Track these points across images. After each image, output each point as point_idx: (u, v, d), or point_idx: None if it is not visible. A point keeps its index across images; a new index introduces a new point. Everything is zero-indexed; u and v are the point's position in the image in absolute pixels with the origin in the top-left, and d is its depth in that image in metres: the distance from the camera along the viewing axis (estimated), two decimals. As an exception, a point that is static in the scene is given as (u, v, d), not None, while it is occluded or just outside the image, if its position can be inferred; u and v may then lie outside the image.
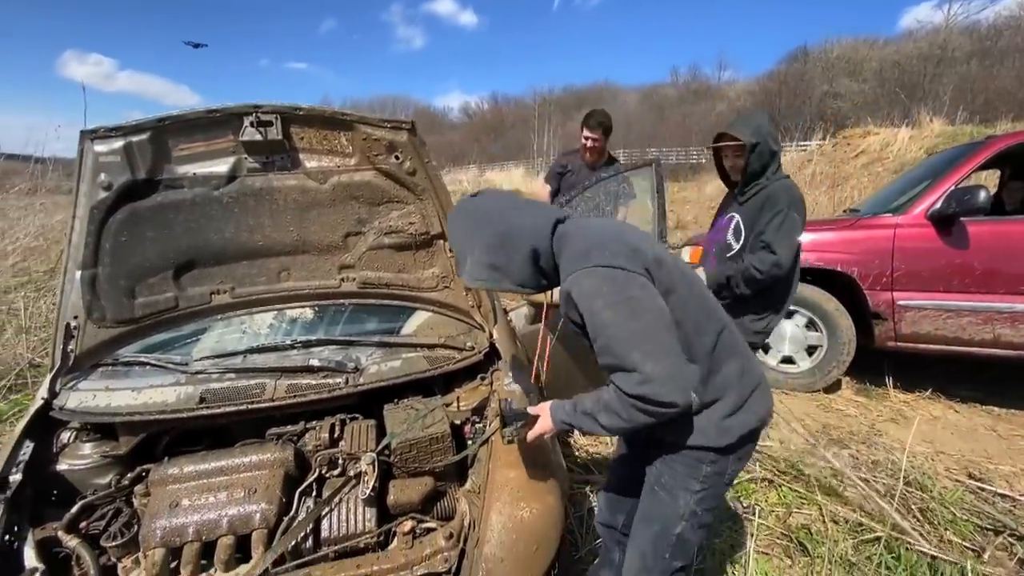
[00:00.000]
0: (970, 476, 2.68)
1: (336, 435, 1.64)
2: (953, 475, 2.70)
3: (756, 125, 2.19)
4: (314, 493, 1.48)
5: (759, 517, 2.26)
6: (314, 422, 1.68)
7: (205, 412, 1.54)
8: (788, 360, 3.81)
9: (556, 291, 1.27)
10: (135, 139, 1.65)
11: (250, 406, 1.57)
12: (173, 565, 1.31)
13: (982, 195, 3.06)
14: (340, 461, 1.54)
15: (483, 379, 1.83)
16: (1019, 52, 25.33)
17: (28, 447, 1.50)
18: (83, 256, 1.70)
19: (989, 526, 2.27)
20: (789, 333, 3.75)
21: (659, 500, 1.32)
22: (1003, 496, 2.49)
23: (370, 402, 1.72)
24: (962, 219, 3.20)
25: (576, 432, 2.87)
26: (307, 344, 1.88)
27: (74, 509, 1.41)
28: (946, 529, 2.21)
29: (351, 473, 1.49)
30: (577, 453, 2.81)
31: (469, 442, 1.63)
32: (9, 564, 1.24)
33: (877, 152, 10.50)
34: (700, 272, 2.41)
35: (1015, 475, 2.71)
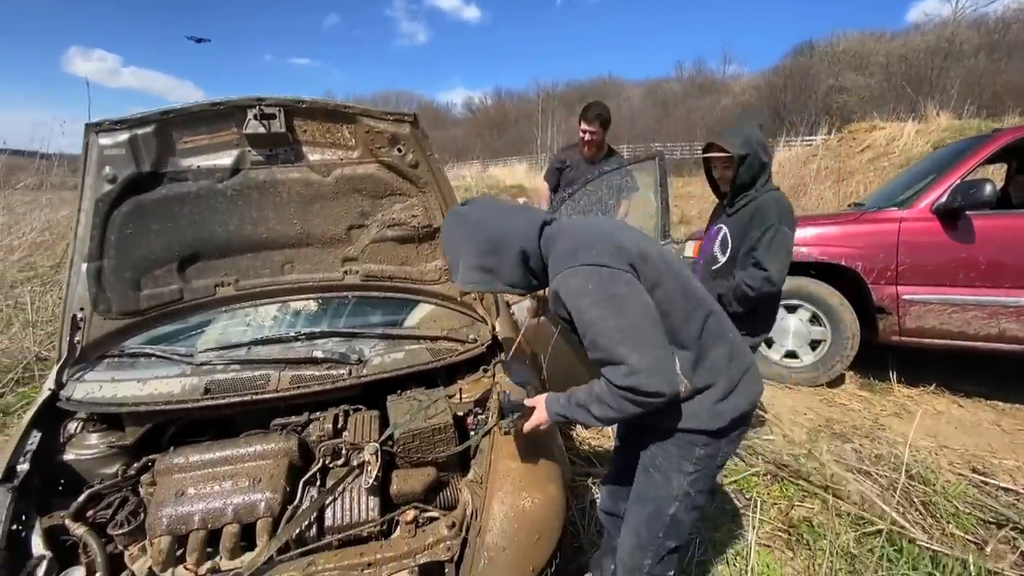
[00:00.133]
0: (973, 470, 2.67)
1: (340, 426, 1.65)
2: (956, 469, 2.69)
3: (745, 136, 2.12)
4: (318, 483, 1.49)
5: (761, 510, 2.27)
6: (318, 413, 1.69)
7: (210, 403, 1.56)
8: (791, 354, 3.80)
9: None
10: (140, 132, 1.66)
11: (254, 397, 1.58)
12: (179, 553, 1.33)
13: (988, 189, 3.04)
14: (344, 451, 1.55)
15: (485, 371, 1.84)
16: (1028, 45, 25.06)
17: (35, 437, 1.52)
18: (89, 248, 1.71)
19: (992, 520, 2.26)
20: (793, 327, 3.74)
21: (653, 481, 1.36)
22: (1006, 490, 2.49)
23: (373, 393, 1.72)
24: (968, 213, 3.18)
25: (578, 426, 2.89)
26: (311, 336, 1.89)
27: (81, 498, 1.43)
28: (948, 522, 2.21)
29: (354, 463, 1.50)
30: (579, 446, 2.82)
31: (471, 433, 1.64)
32: (18, 552, 1.26)
33: (883, 147, 10.42)
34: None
35: (1019, 469, 2.70)
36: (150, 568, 1.31)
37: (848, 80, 30.51)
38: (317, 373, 1.69)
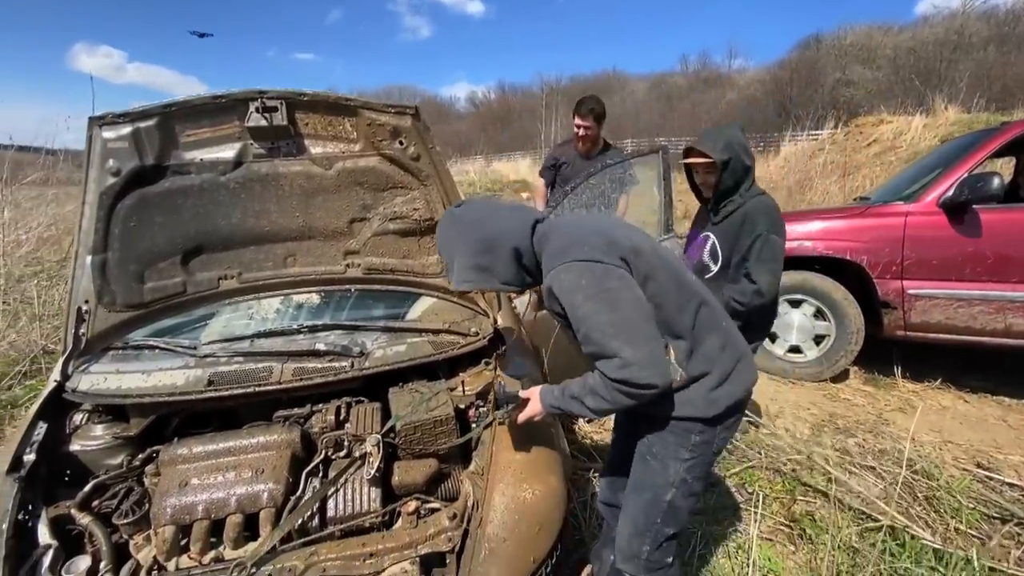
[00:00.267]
0: (978, 465, 2.66)
1: (342, 417, 1.66)
2: (961, 464, 2.68)
3: (727, 140, 2.05)
4: (320, 474, 1.50)
5: (763, 504, 2.26)
6: (320, 405, 1.70)
7: (213, 394, 1.56)
8: (795, 349, 3.79)
9: None
10: (142, 125, 1.67)
11: (257, 389, 1.59)
12: (183, 542, 1.34)
13: (995, 182, 3.00)
14: (346, 443, 1.56)
15: (487, 364, 1.84)
16: (1038, 38, 24.75)
17: (41, 428, 1.53)
18: (93, 241, 1.72)
19: (996, 515, 2.25)
20: (797, 322, 3.73)
21: (650, 469, 1.37)
22: (1011, 485, 2.48)
23: (375, 386, 1.73)
24: (975, 207, 3.14)
25: (581, 419, 2.90)
26: (313, 329, 1.90)
27: (87, 488, 1.44)
28: (952, 517, 2.20)
29: (356, 454, 1.51)
30: (581, 439, 2.83)
31: (473, 425, 1.65)
32: (24, 540, 1.27)
33: (890, 141, 10.34)
34: None
35: (1024, 464, 2.69)
36: (155, 557, 1.32)
37: (855, 74, 30.19)
38: (320, 365, 1.69)
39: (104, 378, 1.64)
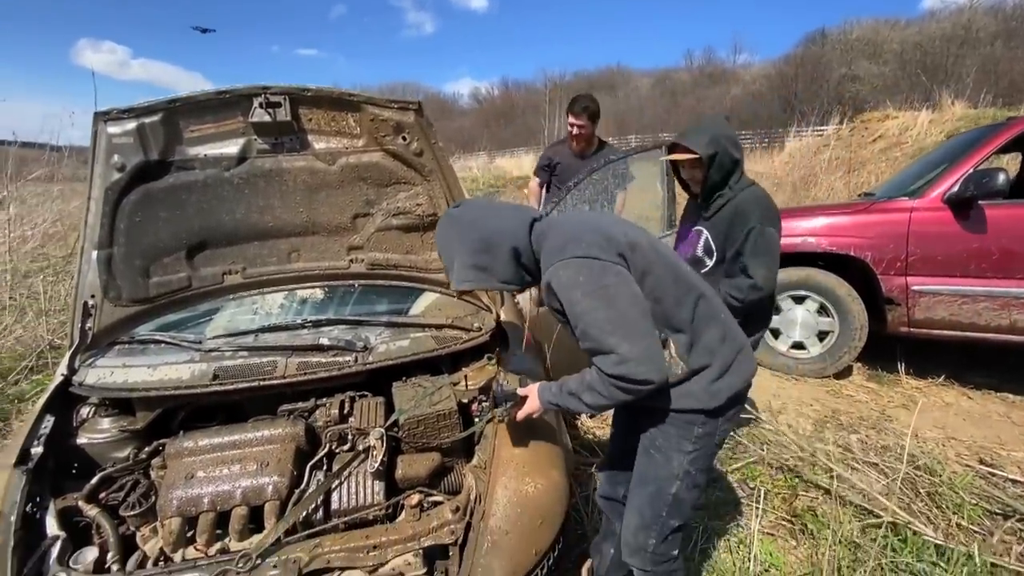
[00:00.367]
0: (981, 462, 2.66)
1: (346, 411, 1.68)
2: (964, 460, 2.68)
3: (712, 134, 1.98)
4: (324, 467, 1.52)
5: (764, 499, 2.27)
6: (324, 399, 1.71)
7: (219, 388, 1.58)
8: (798, 345, 3.78)
9: None
10: (147, 121, 1.67)
11: (262, 383, 1.60)
12: (189, 534, 1.36)
13: (1001, 178, 2.99)
14: (349, 436, 1.57)
15: (490, 359, 1.85)
16: (1047, 32, 24.50)
17: (49, 421, 1.55)
18: (99, 236, 1.73)
19: (999, 511, 2.25)
20: (800, 318, 3.72)
21: (654, 462, 1.38)
22: (1014, 481, 2.47)
23: (379, 380, 1.74)
24: (980, 202, 3.12)
25: (583, 415, 2.91)
26: (317, 324, 1.91)
27: (94, 480, 1.46)
28: (954, 513, 2.20)
29: (360, 448, 1.52)
30: (584, 435, 2.84)
31: (476, 420, 1.66)
32: (33, 532, 1.29)
33: (896, 136, 10.26)
34: None
35: (1028, 461, 2.68)
36: (161, 548, 1.34)
37: (861, 69, 29.97)
38: (324, 360, 1.70)
39: (110, 372, 1.66)
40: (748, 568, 1.91)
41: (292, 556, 1.23)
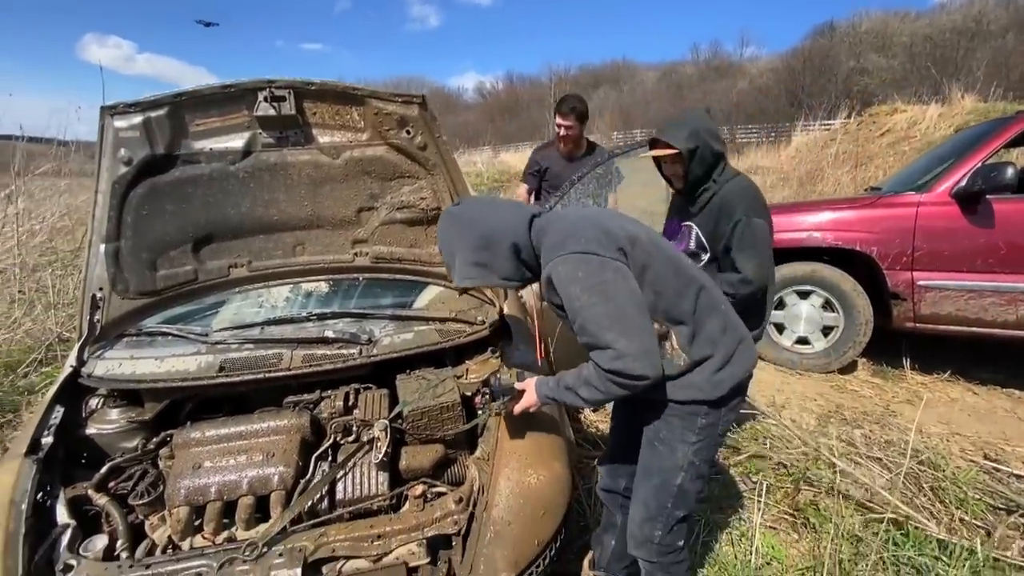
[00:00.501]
0: (986, 457, 2.65)
1: (351, 403, 1.69)
2: (968, 456, 2.67)
3: (692, 128, 1.93)
4: (329, 458, 1.54)
5: (767, 493, 2.27)
6: (329, 391, 1.73)
7: (225, 380, 1.60)
8: (803, 340, 3.78)
9: None
10: (153, 115, 1.69)
11: (268, 375, 1.62)
12: (197, 523, 1.38)
13: (1010, 172, 2.96)
14: (354, 428, 1.59)
15: (493, 352, 1.86)
16: (1060, 25, 24.13)
17: (58, 412, 1.58)
18: (106, 230, 1.75)
19: (1002, 506, 2.25)
20: (805, 313, 3.71)
21: (658, 454, 1.39)
22: (1018, 476, 2.47)
23: (383, 372, 1.76)
24: (988, 197, 3.10)
25: (587, 409, 2.91)
26: (322, 316, 1.93)
27: (103, 470, 1.49)
28: (957, 508, 2.20)
29: (365, 439, 1.54)
30: (587, 428, 2.85)
31: (479, 412, 1.67)
32: (43, 520, 1.32)
33: (904, 130, 10.16)
34: None
35: (1033, 457, 2.68)
36: (169, 536, 1.36)
37: (870, 62, 29.66)
38: (329, 352, 1.72)
39: (119, 364, 1.68)
40: (750, 561, 1.91)
41: (298, 545, 1.25)
